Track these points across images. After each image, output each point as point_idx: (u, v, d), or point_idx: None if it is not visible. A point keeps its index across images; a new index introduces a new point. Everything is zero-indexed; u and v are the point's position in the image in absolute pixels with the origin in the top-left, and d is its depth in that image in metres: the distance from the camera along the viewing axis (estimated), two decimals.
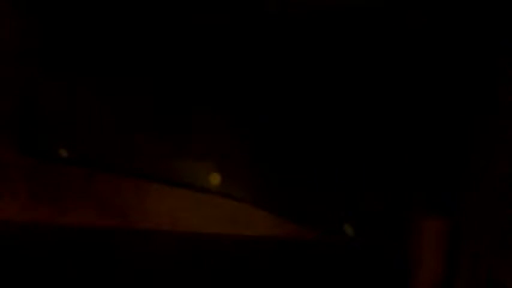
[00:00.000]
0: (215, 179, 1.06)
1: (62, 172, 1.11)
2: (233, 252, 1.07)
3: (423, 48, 0.97)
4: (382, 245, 1.02)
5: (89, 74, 1.08)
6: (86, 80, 1.08)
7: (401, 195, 1.00)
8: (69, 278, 1.08)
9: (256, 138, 1.05)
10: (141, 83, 1.06)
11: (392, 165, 1.00)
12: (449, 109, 0.97)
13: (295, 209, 1.05)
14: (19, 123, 1.11)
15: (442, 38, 0.96)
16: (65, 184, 1.11)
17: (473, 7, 0.92)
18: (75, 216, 1.11)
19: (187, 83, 1.05)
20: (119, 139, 1.08)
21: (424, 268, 0.97)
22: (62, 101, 1.09)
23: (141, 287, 1.08)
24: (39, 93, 1.10)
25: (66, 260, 1.09)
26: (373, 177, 1.01)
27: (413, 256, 0.98)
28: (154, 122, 1.07)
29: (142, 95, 1.07)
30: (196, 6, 1.03)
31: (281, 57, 1.02)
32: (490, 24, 0.91)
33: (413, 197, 1.00)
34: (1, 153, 1.11)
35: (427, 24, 0.96)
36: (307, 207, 1.04)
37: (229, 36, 1.03)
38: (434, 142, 0.98)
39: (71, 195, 1.10)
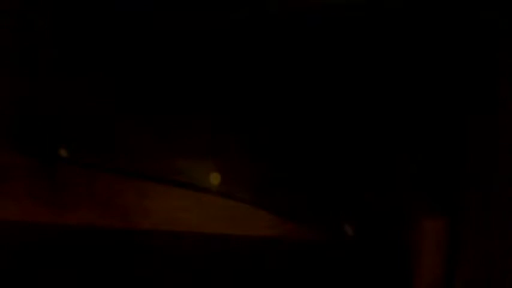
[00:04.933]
0: (215, 179, 1.06)
1: (62, 172, 1.11)
2: (233, 252, 1.07)
3: (423, 47, 0.97)
4: (382, 245, 1.02)
5: (89, 73, 1.08)
6: (86, 79, 1.08)
7: (401, 195, 1.00)
8: (69, 278, 1.08)
9: (256, 138, 1.05)
10: (141, 83, 1.06)
11: (392, 165, 1.00)
12: (449, 109, 0.97)
13: (295, 209, 1.05)
14: (19, 123, 1.11)
15: (442, 37, 0.96)
16: (65, 184, 1.11)
17: (473, 6, 0.92)
18: (75, 216, 1.10)
19: (187, 83, 1.05)
20: (119, 139, 1.08)
21: (424, 268, 0.97)
22: (61, 101, 1.09)
23: (140, 286, 1.08)
24: (39, 93, 1.10)
25: (66, 260, 1.09)
26: (373, 177, 1.01)
27: (413, 256, 0.98)
28: (154, 122, 1.07)
29: (142, 95, 1.07)
30: (197, 5, 1.03)
31: (281, 57, 1.02)
32: (490, 23, 0.91)
33: (413, 197, 0.99)
34: (1, 154, 1.11)
35: (427, 23, 0.96)
36: (307, 207, 1.04)
37: (228, 35, 1.03)
38: (434, 142, 0.98)
39: (71, 195, 1.10)
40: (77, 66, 1.08)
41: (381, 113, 1.00)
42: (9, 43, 1.10)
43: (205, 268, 1.08)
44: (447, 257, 0.95)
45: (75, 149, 1.09)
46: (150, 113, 1.07)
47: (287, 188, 1.05)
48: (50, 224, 1.10)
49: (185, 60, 1.05)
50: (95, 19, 1.06)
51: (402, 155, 0.99)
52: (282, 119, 1.03)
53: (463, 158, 0.95)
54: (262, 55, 1.03)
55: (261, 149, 1.05)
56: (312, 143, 1.03)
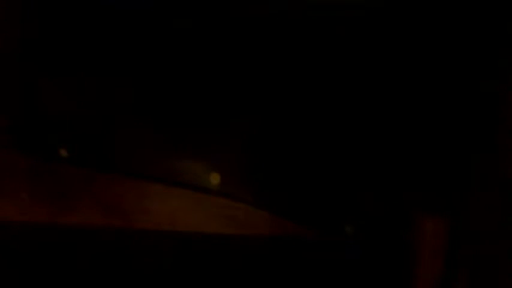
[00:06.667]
0: (215, 179, 1.06)
1: (62, 172, 1.10)
2: (233, 252, 1.07)
3: (424, 47, 0.97)
4: (382, 245, 1.02)
5: (89, 74, 1.08)
6: (86, 80, 1.08)
7: (401, 195, 1.00)
8: (69, 278, 1.08)
9: (256, 138, 1.05)
10: (141, 83, 1.06)
11: (393, 166, 1.00)
12: (450, 109, 0.97)
13: (295, 209, 1.05)
14: (19, 123, 1.11)
15: (442, 38, 0.96)
16: (65, 184, 1.10)
17: (473, 7, 0.92)
18: (75, 216, 1.10)
19: (187, 83, 1.05)
20: (119, 139, 1.08)
21: (424, 268, 0.97)
22: (61, 101, 1.09)
23: (141, 286, 1.08)
24: (39, 93, 1.10)
25: (66, 260, 1.09)
26: (373, 178, 1.01)
27: (413, 256, 0.98)
28: (154, 122, 1.07)
29: (142, 95, 1.07)
30: (196, 6, 1.03)
31: (281, 57, 1.02)
32: (491, 25, 0.91)
33: (413, 197, 0.99)
34: (1, 153, 1.11)
35: (427, 24, 0.96)
36: (307, 207, 1.04)
37: (227, 36, 1.03)
38: (435, 142, 0.98)
39: (71, 195, 1.10)
40: (78, 66, 1.08)
41: (381, 114, 1.00)
42: (11, 43, 1.10)
43: (205, 268, 1.08)
44: (447, 257, 0.95)
45: (75, 149, 1.09)
46: (150, 114, 1.07)
47: (287, 188, 1.05)
48: (50, 224, 1.09)
49: (185, 61, 1.05)
50: (96, 19, 1.06)
51: (403, 156, 0.99)
52: (283, 119, 1.03)
53: (464, 158, 0.95)
54: (262, 55, 1.03)
55: (261, 149, 1.05)
56: (313, 144, 1.03)
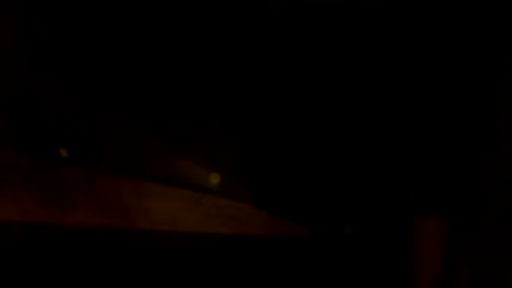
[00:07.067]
0: (215, 179, 1.06)
1: (62, 172, 1.10)
2: (233, 252, 1.08)
3: (424, 47, 0.97)
4: (382, 245, 1.02)
5: (89, 74, 1.08)
6: (86, 80, 1.08)
7: (401, 195, 1.00)
8: (69, 277, 1.08)
9: (256, 138, 1.05)
10: (141, 83, 1.06)
11: (393, 166, 1.00)
12: (451, 110, 0.97)
13: (295, 209, 1.05)
14: (19, 123, 1.11)
15: (444, 39, 0.96)
16: (65, 184, 1.11)
17: (474, 8, 0.93)
18: (75, 216, 1.10)
19: (187, 84, 1.06)
20: (119, 139, 1.08)
21: (424, 268, 0.97)
22: (61, 101, 1.09)
23: (141, 286, 1.08)
24: (39, 93, 1.10)
25: (66, 260, 1.09)
26: (374, 178, 1.01)
27: (413, 256, 0.98)
28: (154, 122, 1.07)
29: (142, 95, 1.07)
30: (197, 6, 1.03)
31: (282, 57, 1.02)
32: (491, 26, 0.91)
33: (413, 197, 1.00)
34: (1, 154, 1.11)
35: (428, 25, 0.96)
36: (307, 207, 1.05)
37: (229, 36, 1.03)
38: (435, 143, 0.98)
39: (71, 196, 1.10)
40: (78, 66, 1.08)
41: (381, 114, 1.00)
42: (11, 44, 1.10)
43: (205, 268, 1.08)
44: (447, 257, 0.95)
45: (75, 149, 1.09)
46: (150, 114, 1.07)
47: (287, 188, 1.05)
48: (50, 224, 1.09)
49: (186, 61, 1.05)
50: (97, 21, 1.06)
51: (403, 156, 0.99)
52: (283, 120, 1.03)
53: (464, 159, 0.96)
54: (262, 56, 1.03)
55: (261, 149, 1.05)
56: (313, 144, 1.03)
